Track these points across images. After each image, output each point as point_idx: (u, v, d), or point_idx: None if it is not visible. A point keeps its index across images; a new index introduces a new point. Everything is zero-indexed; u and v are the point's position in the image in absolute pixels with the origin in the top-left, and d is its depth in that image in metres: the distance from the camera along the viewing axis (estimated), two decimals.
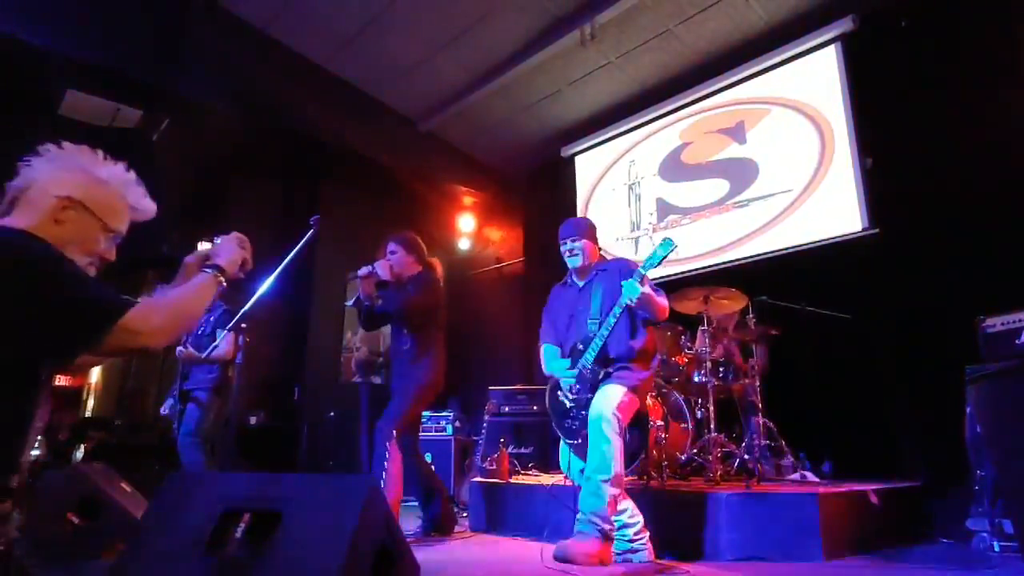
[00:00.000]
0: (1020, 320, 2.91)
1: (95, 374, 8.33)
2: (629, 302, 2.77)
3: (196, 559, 1.52)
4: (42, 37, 4.67)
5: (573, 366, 2.99)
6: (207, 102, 5.83)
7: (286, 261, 2.71)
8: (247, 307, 2.82)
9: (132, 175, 1.57)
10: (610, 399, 2.78)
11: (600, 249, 3.31)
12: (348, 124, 6.42)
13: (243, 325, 3.44)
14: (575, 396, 2.94)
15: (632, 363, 2.95)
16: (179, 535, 1.60)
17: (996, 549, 2.88)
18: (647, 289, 2.78)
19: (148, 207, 1.60)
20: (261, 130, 6.35)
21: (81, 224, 1.46)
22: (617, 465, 2.67)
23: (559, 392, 3.07)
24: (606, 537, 2.62)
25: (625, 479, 2.84)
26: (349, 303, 3.82)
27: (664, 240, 2.84)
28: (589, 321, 2.98)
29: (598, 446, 2.69)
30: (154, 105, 6.05)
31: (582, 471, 2.86)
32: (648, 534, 2.81)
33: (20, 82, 5.22)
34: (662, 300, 2.92)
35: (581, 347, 2.97)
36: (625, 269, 3.02)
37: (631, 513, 2.80)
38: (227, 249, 1.69)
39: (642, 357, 3.00)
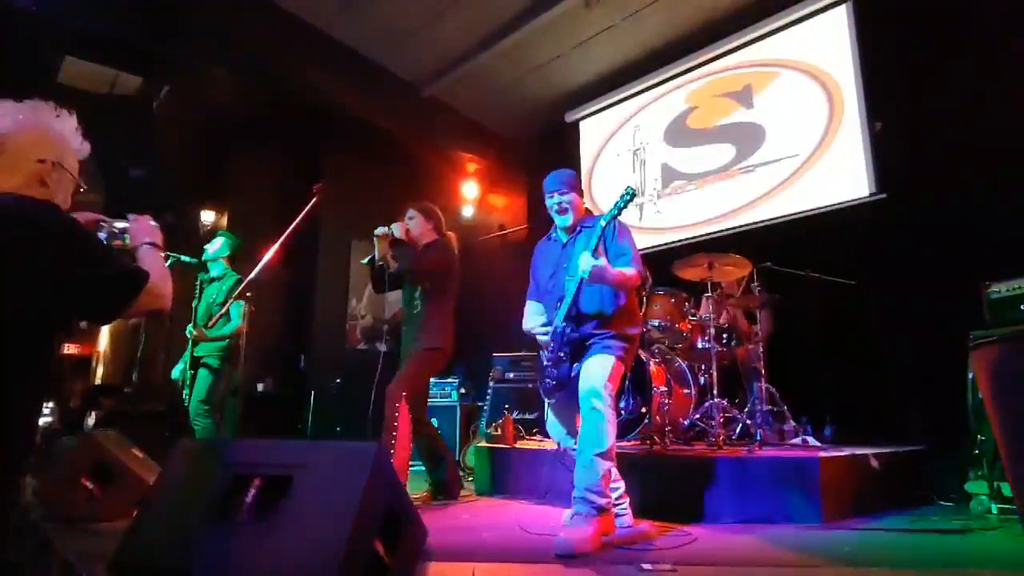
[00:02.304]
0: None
1: (103, 342, 8.41)
2: (582, 275, 2.64)
3: (208, 523, 1.55)
4: (39, 3, 4.60)
5: (549, 323, 2.90)
6: (207, 68, 5.76)
7: (290, 229, 2.70)
8: (252, 275, 2.83)
9: (75, 121, 1.65)
10: (600, 371, 2.66)
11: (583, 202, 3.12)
12: (350, 89, 6.35)
13: (248, 294, 3.45)
14: (550, 354, 2.83)
15: (614, 323, 2.79)
16: (190, 500, 1.64)
17: (994, 512, 2.92)
18: (601, 262, 2.62)
19: (86, 153, 1.68)
20: (262, 96, 6.28)
21: (62, 184, 1.58)
22: (610, 438, 2.59)
23: (541, 350, 2.99)
24: (603, 511, 2.54)
25: (621, 443, 2.86)
26: (364, 261, 3.83)
27: (626, 188, 2.76)
28: (568, 279, 2.82)
29: (591, 420, 2.60)
30: (153, 72, 5.99)
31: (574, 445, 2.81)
32: (628, 499, 2.84)
33: (17, 49, 5.15)
34: (626, 271, 2.74)
35: (557, 304, 2.85)
36: (603, 228, 2.80)
37: (614, 477, 2.77)
38: (149, 227, 1.76)
39: (621, 316, 2.82)
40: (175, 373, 4.34)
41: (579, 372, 2.72)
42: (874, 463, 3.28)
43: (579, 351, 2.78)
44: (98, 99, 6.22)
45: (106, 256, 1.50)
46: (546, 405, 3.04)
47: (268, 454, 1.71)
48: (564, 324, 2.78)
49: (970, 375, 3.02)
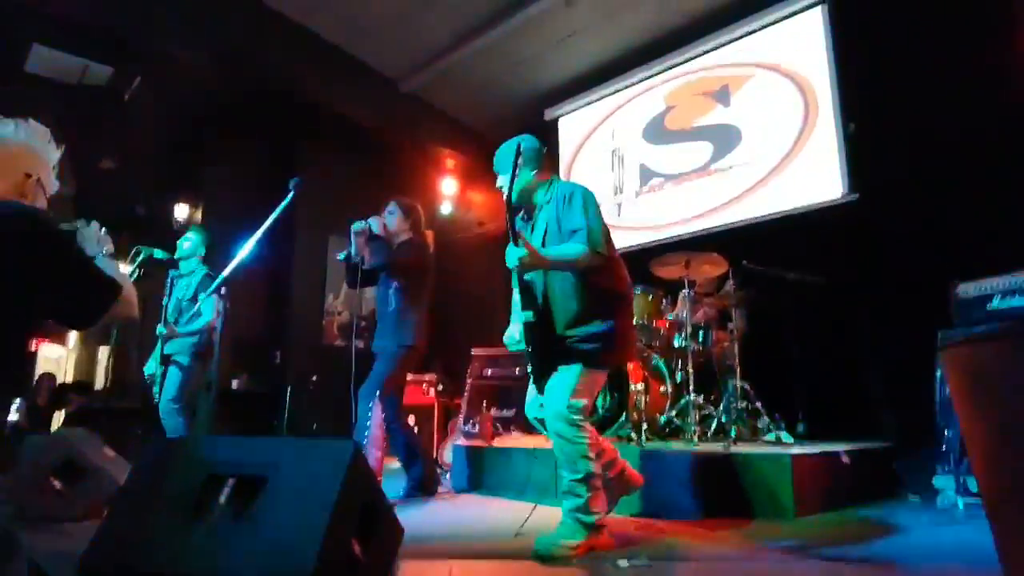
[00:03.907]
0: (992, 286, 2.98)
1: (72, 339, 8.23)
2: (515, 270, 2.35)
3: (181, 523, 1.53)
4: None
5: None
6: (181, 59, 5.65)
7: (265, 225, 2.67)
8: (227, 271, 2.78)
9: (59, 153, 1.80)
10: (561, 388, 2.36)
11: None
12: (328, 83, 6.28)
13: (223, 290, 3.40)
14: (528, 346, 2.46)
15: (588, 320, 2.42)
16: (163, 500, 1.61)
17: (960, 506, 2.99)
18: (523, 252, 2.28)
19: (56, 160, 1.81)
20: (238, 89, 6.19)
21: (36, 199, 1.70)
22: (585, 461, 2.33)
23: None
24: (592, 530, 2.34)
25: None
26: (340, 256, 3.79)
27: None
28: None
29: (560, 447, 2.35)
30: (125, 62, 5.86)
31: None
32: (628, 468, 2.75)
33: None
34: (568, 251, 2.38)
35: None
36: (559, 198, 2.52)
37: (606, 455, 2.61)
38: (100, 236, 1.83)
39: (596, 306, 2.44)
40: (147, 369, 4.26)
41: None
42: (845, 459, 3.34)
43: (555, 357, 2.44)
44: (67, 89, 6.08)
45: (86, 264, 1.60)
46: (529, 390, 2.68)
47: (243, 452, 1.69)
48: (531, 326, 2.42)
49: (938, 373, 3.09)
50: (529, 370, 2.52)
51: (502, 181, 2.58)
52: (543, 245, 2.47)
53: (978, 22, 4.07)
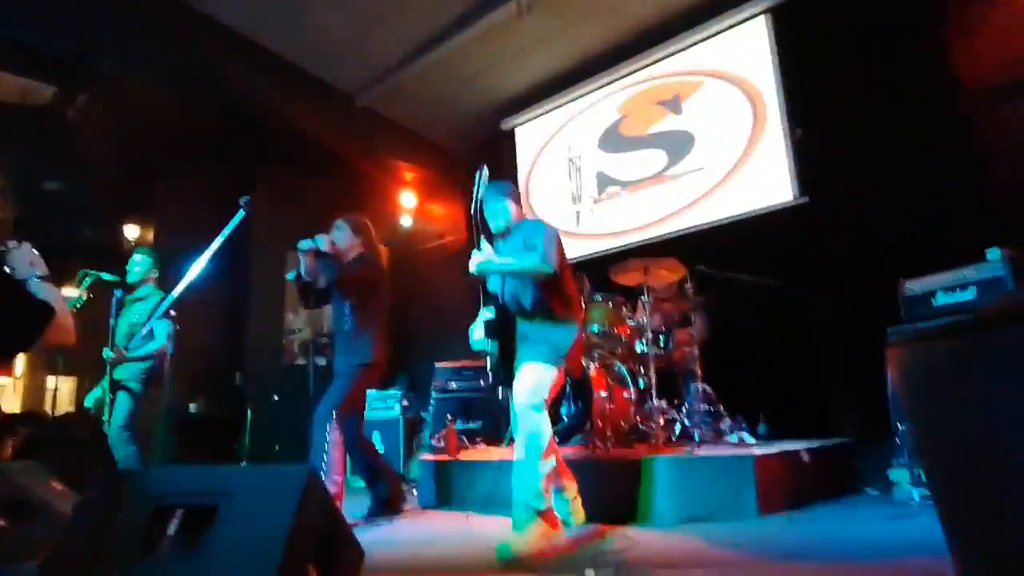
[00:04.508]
0: (935, 282, 3.08)
1: (19, 368, 7.92)
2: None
3: (127, 558, 1.47)
4: None
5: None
6: (128, 78, 5.52)
7: (215, 244, 2.61)
8: (175, 293, 2.71)
9: None
10: (524, 382, 2.67)
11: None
12: (282, 99, 6.20)
13: (172, 313, 3.31)
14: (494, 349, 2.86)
15: (544, 320, 2.80)
16: (109, 534, 1.55)
17: (915, 498, 3.07)
18: (484, 258, 2.74)
19: None
20: (189, 108, 6.07)
21: None
22: (543, 443, 2.58)
23: None
24: (544, 515, 2.53)
25: (565, 449, 2.90)
26: (289, 276, 3.72)
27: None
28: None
29: (521, 433, 2.62)
30: (69, 81, 5.69)
31: None
32: (580, 499, 2.93)
33: None
34: (527, 261, 2.75)
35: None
36: (528, 230, 2.94)
37: (566, 478, 2.93)
38: (32, 257, 1.72)
39: (552, 313, 2.81)
40: (88, 401, 4.10)
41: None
42: (805, 457, 3.40)
43: (510, 351, 2.84)
44: (8, 108, 5.87)
45: (11, 287, 1.52)
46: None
47: (191, 482, 1.63)
48: (494, 337, 2.81)
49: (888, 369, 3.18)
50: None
51: (491, 209, 3.04)
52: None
53: (918, 28, 4.22)
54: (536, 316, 2.82)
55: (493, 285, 2.93)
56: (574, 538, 2.73)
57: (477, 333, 2.92)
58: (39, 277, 1.66)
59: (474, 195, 2.89)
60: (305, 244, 3.58)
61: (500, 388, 2.95)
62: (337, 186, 6.98)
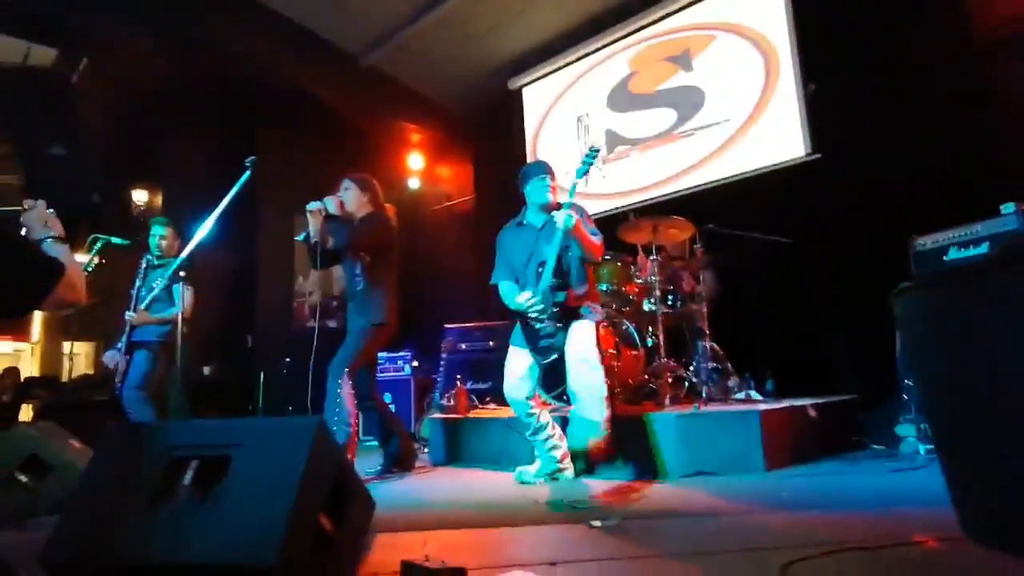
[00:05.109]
0: (947, 238, 3.05)
1: (36, 333, 8.05)
2: (564, 228, 2.91)
3: (144, 510, 1.51)
4: None
5: (536, 290, 3.06)
6: (131, 39, 5.46)
7: (221, 206, 2.61)
8: (182, 257, 2.73)
9: None
10: (588, 337, 2.98)
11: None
12: (286, 60, 6.13)
13: (182, 274, 3.34)
14: (544, 318, 3.03)
15: (587, 295, 3.14)
16: (125, 487, 1.59)
17: (922, 452, 3.09)
18: (576, 218, 2.95)
19: None
20: (194, 70, 6.01)
21: None
22: (606, 396, 2.97)
23: (530, 320, 3.10)
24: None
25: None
26: (298, 237, 3.72)
27: (591, 149, 3.06)
28: (546, 246, 3.07)
29: (588, 385, 2.93)
30: (69, 43, 5.63)
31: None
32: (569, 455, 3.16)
33: None
34: (594, 238, 3.10)
35: (541, 269, 3.06)
36: (577, 208, 3.13)
37: (559, 435, 3.16)
38: (45, 217, 1.70)
39: (590, 289, 3.19)
40: (107, 360, 4.18)
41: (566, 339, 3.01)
42: (811, 413, 3.42)
43: (568, 318, 3.04)
44: (10, 73, 5.84)
45: (22, 246, 1.50)
46: (508, 364, 3.20)
47: (205, 435, 1.67)
48: (554, 282, 3.00)
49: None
50: (538, 352, 3.07)
51: (548, 182, 3.26)
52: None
53: None
54: (585, 290, 3.15)
55: (549, 251, 3.03)
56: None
57: (523, 297, 3.07)
58: (53, 238, 1.65)
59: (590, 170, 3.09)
60: (313, 205, 3.57)
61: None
62: (344, 147, 6.94)
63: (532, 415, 3.11)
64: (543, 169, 3.31)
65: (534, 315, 3.06)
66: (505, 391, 3.19)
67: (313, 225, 3.57)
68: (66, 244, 1.68)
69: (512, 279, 3.27)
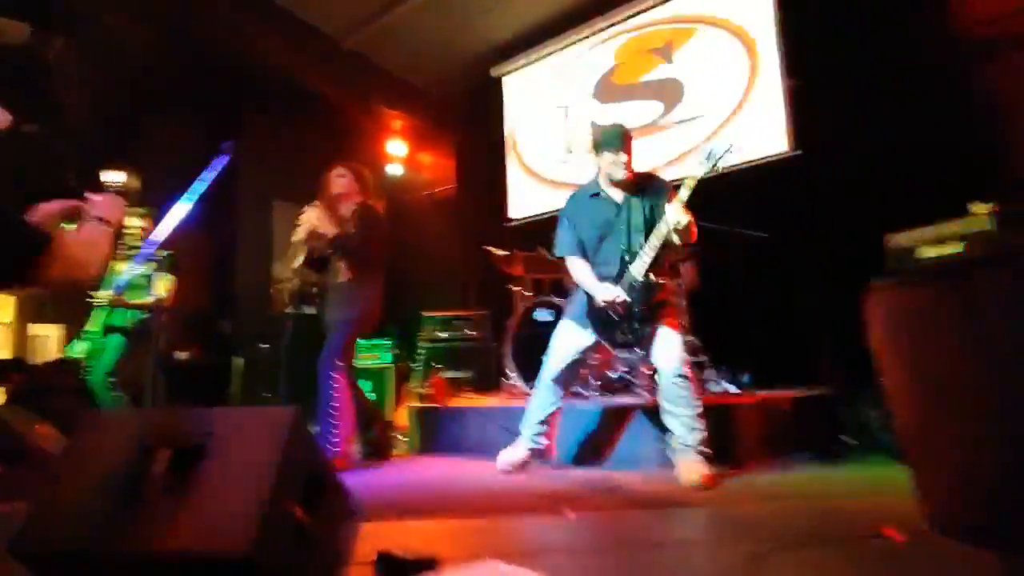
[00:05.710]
0: (920, 236, 3.10)
1: (8, 314, 7.87)
2: (676, 226, 2.77)
3: (114, 500, 1.50)
4: None
5: (619, 280, 2.91)
6: (107, 13, 5.33)
7: (195, 189, 2.58)
8: (155, 238, 2.69)
9: None
10: (676, 346, 2.83)
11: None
12: (267, 42, 6.01)
13: (160, 256, 3.30)
14: (635, 309, 2.87)
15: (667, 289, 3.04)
16: (95, 477, 1.57)
17: (891, 445, 3.15)
18: (688, 218, 2.83)
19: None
20: (172, 50, 5.87)
21: None
22: (700, 397, 2.88)
23: (603, 307, 2.95)
24: (711, 461, 2.77)
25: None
26: (295, 266, 3.72)
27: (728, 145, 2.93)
28: (635, 233, 2.96)
29: (683, 394, 2.79)
30: (42, 20, 5.48)
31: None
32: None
33: None
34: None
35: (628, 259, 2.92)
36: (668, 187, 3.01)
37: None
38: (107, 205, 1.65)
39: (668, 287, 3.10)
40: (71, 351, 4.09)
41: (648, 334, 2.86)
42: (786, 406, 3.47)
43: (652, 312, 2.89)
44: None
45: (6, 216, 1.40)
46: (560, 340, 3.09)
47: (178, 424, 1.65)
48: (645, 280, 2.85)
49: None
50: (614, 343, 2.96)
51: (623, 157, 3.01)
52: (647, 220, 3.00)
53: None
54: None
55: (647, 245, 2.88)
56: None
57: (608, 296, 2.91)
58: (98, 219, 1.60)
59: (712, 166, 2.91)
60: (299, 236, 3.56)
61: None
62: (324, 132, 6.85)
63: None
64: (618, 140, 3.00)
65: (607, 302, 2.88)
66: (547, 367, 3.10)
67: (306, 250, 3.58)
68: (110, 227, 1.63)
69: (582, 254, 3.09)
